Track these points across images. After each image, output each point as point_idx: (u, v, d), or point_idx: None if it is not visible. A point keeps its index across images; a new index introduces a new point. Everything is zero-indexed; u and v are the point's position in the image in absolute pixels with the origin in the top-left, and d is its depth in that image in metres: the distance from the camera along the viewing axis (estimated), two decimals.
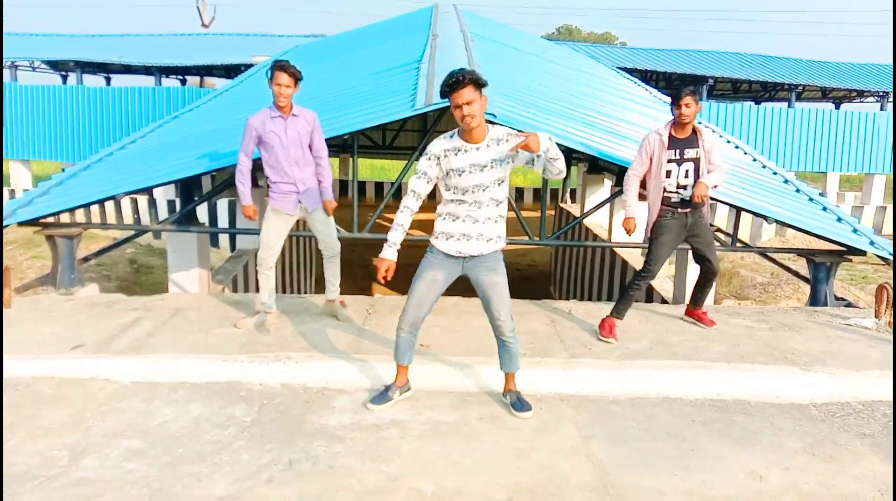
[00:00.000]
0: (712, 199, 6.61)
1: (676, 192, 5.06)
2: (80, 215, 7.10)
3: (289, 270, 12.30)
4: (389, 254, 3.74)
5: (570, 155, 14.75)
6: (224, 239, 15.95)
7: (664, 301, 8.78)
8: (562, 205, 17.22)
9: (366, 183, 24.68)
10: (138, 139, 9.02)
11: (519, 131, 3.68)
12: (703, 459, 3.51)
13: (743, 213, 6.72)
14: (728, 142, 10.07)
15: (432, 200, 7.98)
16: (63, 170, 7.78)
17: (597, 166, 13.52)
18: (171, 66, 23.45)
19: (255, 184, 10.52)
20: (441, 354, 4.59)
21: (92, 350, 4.52)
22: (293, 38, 24.39)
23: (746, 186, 7.28)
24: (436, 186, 3.86)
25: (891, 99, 24.18)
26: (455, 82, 3.50)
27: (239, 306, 5.65)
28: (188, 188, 7.10)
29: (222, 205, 16.51)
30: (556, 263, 16.67)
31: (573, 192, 18.01)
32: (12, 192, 20.73)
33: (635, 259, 10.39)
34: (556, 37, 53.92)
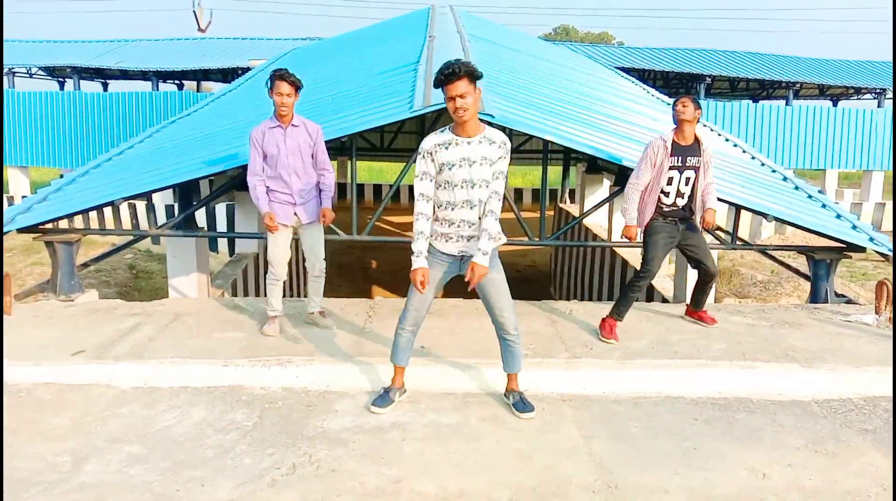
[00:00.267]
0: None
1: (673, 204, 5.07)
2: (78, 221, 7.08)
3: (289, 273, 12.29)
4: (420, 263, 3.68)
5: (569, 155, 14.80)
6: (223, 243, 15.93)
7: (665, 300, 8.78)
8: (561, 205, 17.23)
9: (364, 185, 24.64)
10: (136, 144, 9.02)
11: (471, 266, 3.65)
12: (706, 457, 3.50)
13: (742, 211, 6.72)
14: (727, 140, 10.08)
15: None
16: (61, 176, 7.78)
17: (596, 166, 13.53)
18: (168, 70, 23.48)
19: None
20: (442, 355, 4.58)
21: (92, 356, 4.52)
22: (289, 41, 24.40)
23: (745, 184, 7.29)
24: None
25: (888, 96, 24.22)
26: (450, 73, 3.46)
27: (239, 310, 5.65)
28: (186, 193, 7.10)
29: (221, 209, 16.50)
30: (555, 263, 16.67)
31: (572, 192, 18.01)
32: (11, 199, 20.71)
33: (635, 259, 10.39)
34: (553, 37, 53.99)
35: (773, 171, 8.59)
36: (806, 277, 7.23)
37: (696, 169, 5.03)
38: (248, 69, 17.03)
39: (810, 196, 7.68)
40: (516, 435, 3.71)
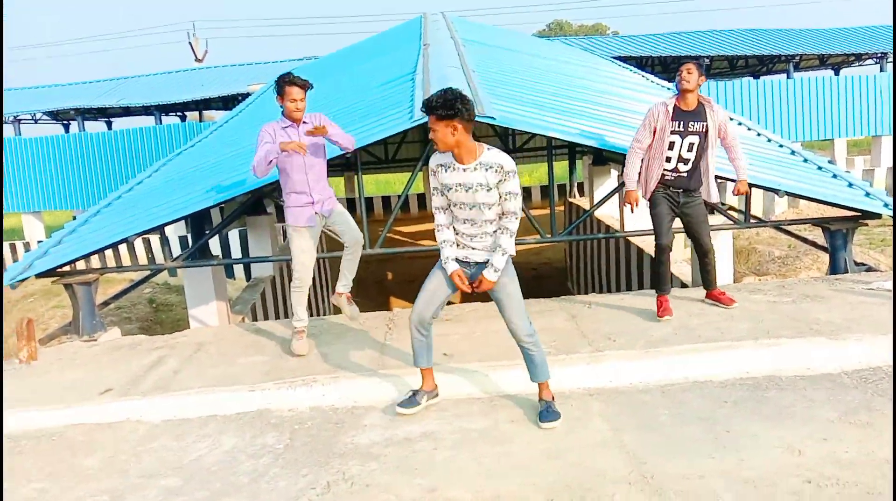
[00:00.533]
0: (720, 177, 6.58)
1: (674, 169, 5.06)
2: (95, 261, 7.16)
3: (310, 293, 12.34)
4: (454, 266, 3.83)
5: (574, 149, 14.77)
6: (239, 269, 16.04)
7: (683, 285, 8.73)
8: (570, 200, 17.19)
9: (373, 198, 24.74)
10: (144, 180, 9.11)
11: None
12: (738, 438, 3.48)
13: (754, 188, 6.68)
14: (731, 119, 10.02)
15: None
16: (74, 218, 7.86)
17: (602, 158, 13.49)
18: (170, 103, 23.71)
19: (263, 211, 10.61)
20: (464, 361, 4.58)
21: (120, 393, 4.56)
22: (286, 62, 24.56)
23: (754, 161, 7.23)
24: None
25: (890, 59, 23.99)
26: (422, 108, 3.63)
27: (260, 333, 5.68)
28: (199, 223, 7.16)
29: (234, 236, 16.62)
30: (570, 258, 16.63)
31: (580, 185, 17.97)
32: (27, 245, 20.96)
33: (649, 247, 10.34)
34: (548, 33, 53.96)
35: (781, 146, 8.53)
36: (824, 249, 7.17)
37: (700, 134, 5.01)
38: (248, 95, 17.17)
39: (820, 167, 7.62)
40: (546, 435, 3.70)
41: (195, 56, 36.47)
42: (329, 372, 4.60)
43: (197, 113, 27.68)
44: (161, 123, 24.07)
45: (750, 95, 20.69)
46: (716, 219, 8.14)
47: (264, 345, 5.34)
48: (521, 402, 4.11)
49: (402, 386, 4.34)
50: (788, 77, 22.46)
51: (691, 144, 5.02)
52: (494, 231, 3.76)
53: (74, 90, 26.23)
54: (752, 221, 7.07)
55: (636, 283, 10.76)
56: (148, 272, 9.23)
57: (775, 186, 6.43)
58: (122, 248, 16.93)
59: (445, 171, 3.72)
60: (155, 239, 17.34)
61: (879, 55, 24.27)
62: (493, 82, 8.05)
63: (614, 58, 19.31)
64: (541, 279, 16.83)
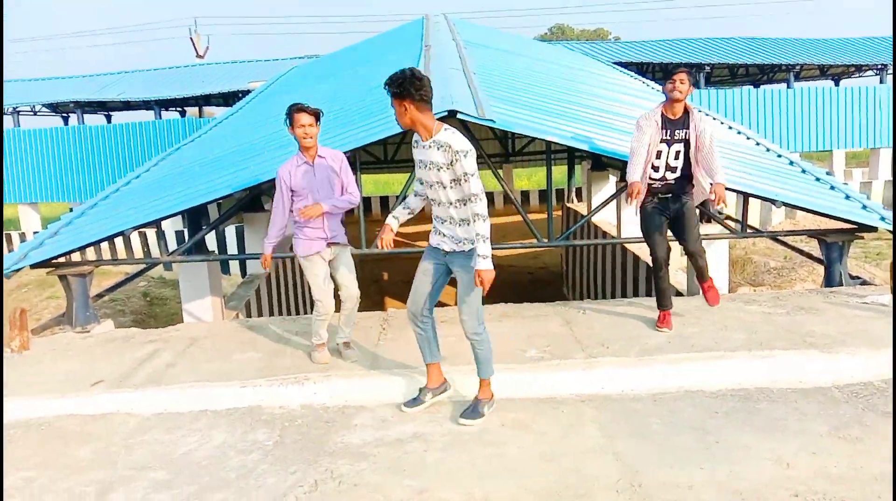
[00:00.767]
0: None
1: (662, 178, 5.06)
2: (90, 253, 7.14)
3: (300, 290, 12.33)
4: (389, 220, 4.14)
5: (573, 153, 14.78)
6: (234, 265, 16.02)
7: (679, 294, 8.73)
8: (568, 205, 17.20)
9: (370, 198, 24.73)
10: (142, 174, 9.10)
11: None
12: (729, 450, 3.48)
13: (751, 198, 6.69)
14: (730, 128, 10.04)
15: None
16: (71, 210, 7.85)
17: (600, 163, 13.51)
18: (170, 98, 23.68)
19: (261, 208, 10.58)
20: (459, 363, 4.57)
21: (113, 385, 4.55)
22: (287, 61, 24.55)
23: (752, 171, 7.25)
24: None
25: (890, 71, 24.06)
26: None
27: (254, 330, 5.67)
28: (195, 218, 7.15)
29: (230, 232, 16.59)
30: (567, 263, 16.63)
31: (578, 190, 17.99)
32: (22, 235, 20.91)
33: (646, 254, 10.34)
34: (549, 37, 54.05)
35: (779, 156, 8.54)
36: (819, 261, 7.18)
37: (686, 142, 5.01)
38: (248, 92, 17.14)
39: (818, 179, 7.64)
40: (538, 439, 3.70)
41: (196, 52, 36.43)
42: (321, 371, 4.59)
43: (197, 109, 27.65)
44: (161, 117, 24.03)
45: (750, 104, 20.73)
46: (712, 228, 8.16)
47: (258, 342, 5.34)
48: (515, 406, 4.10)
49: (394, 387, 4.34)
50: (789, 87, 22.52)
51: (678, 152, 5.02)
52: (463, 220, 3.77)
53: (74, 83, 26.20)
54: (748, 231, 7.09)
55: (632, 290, 10.76)
56: (143, 266, 9.21)
57: (773, 197, 6.44)
58: (118, 241, 16.89)
59: (416, 146, 3.87)
60: (151, 233, 17.30)
61: (880, 67, 24.34)
62: (494, 85, 8.05)
63: (615, 63, 19.35)
64: (537, 284, 16.83)
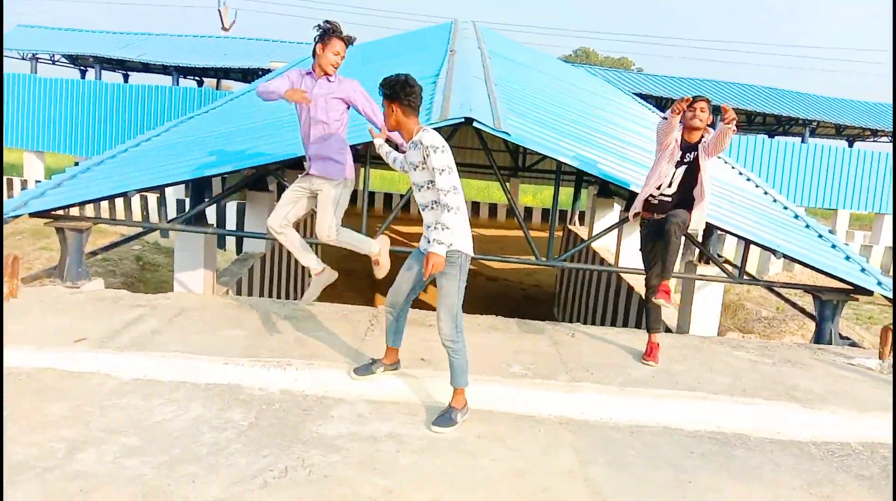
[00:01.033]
0: (721, 230, 6.61)
1: (661, 194, 5.08)
2: (90, 210, 7.13)
3: (294, 275, 12.31)
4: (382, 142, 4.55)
5: (582, 177, 14.81)
6: (230, 242, 15.99)
7: (668, 330, 8.75)
8: (570, 227, 17.22)
9: (374, 194, 24.73)
10: (153, 138, 9.07)
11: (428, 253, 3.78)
12: (702, 491, 3.48)
13: (751, 245, 6.71)
14: (740, 174, 10.08)
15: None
16: (76, 164, 7.83)
17: (607, 190, 13.54)
18: (190, 66, 23.67)
19: (265, 188, 10.59)
20: (442, 368, 4.56)
21: (95, 345, 4.53)
22: (310, 45, 24.54)
23: (756, 218, 7.28)
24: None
25: None
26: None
27: (243, 308, 5.65)
28: (199, 189, 7.14)
29: (231, 208, 16.57)
30: (560, 284, 16.64)
31: (582, 214, 18.01)
32: (24, 182, 20.85)
33: (641, 286, 10.36)
34: (573, 59, 54.15)
35: (785, 208, 8.58)
36: (811, 316, 7.20)
37: (692, 163, 5.01)
38: (268, 71, 17.16)
39: (821, 235, 7.66)
40: (514, 455, 3.70)
41: (222, 24, 36.32)
42: (305, 358, 4.58)
43: (215, 80, 27.65)
44: (178, 84, 24.01)
45: (762, 153, 20.83)
46: (710, 270, 8.19)
47: (246, 320, 5.32)
48: (494, 419, 4.10)
49: (375, 383, 4.33)
50: (803, 141, 22.62)
51: (684, 173, 5.04)
52: (439, 223, 3.79)
53: (96, 38, 26.17)
54: (745, 277, 7.10)
55: (622, 319, 10.77)
56: (140, 230, 9.18)
57: (774, 247, 6.46)
58: (119, 202, 16.84)
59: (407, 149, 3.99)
60: (153, 198, 17.28)
61: None
62: (514, 98, 8.07)
63: (635, 94, 19.40)
64: (529, 300, 16.83)
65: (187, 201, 16.08)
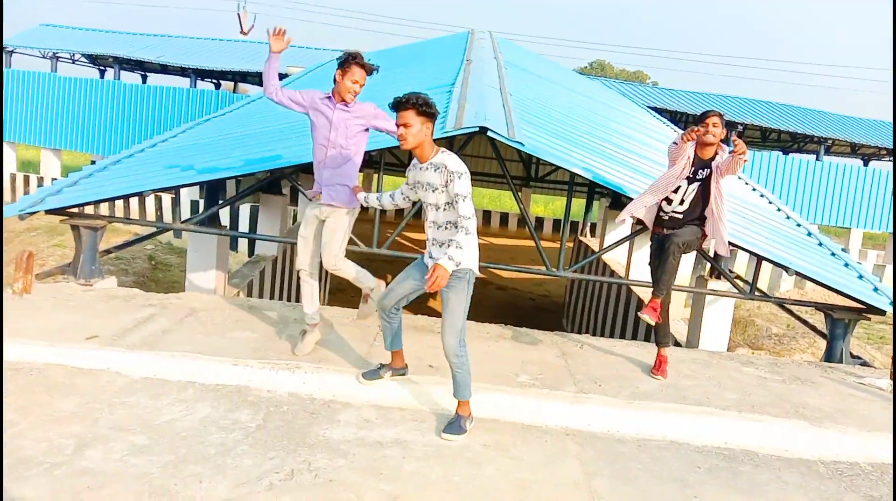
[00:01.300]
0: (733, 246, 6.59)
1: (672, 211, 5.06)
2: (105, 208, 7.19)
3: None
4: (367, 193, 4.56)
5: (594, 189, 14.80)
6: (242, 244, 16.08)
7: (677, 344, 8.71)
8: (581, 238, 17.20)
9: None
10: (170, 139, 9.16)
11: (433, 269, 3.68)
12: None
13: (763, 262, 6.68)
14: (754, 190, 10.05)
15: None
16: (93, 162, 7.90)
17: (619, 202, 13.51)
18: (208, 69, 23.83)
19: (279, 192, 10.65)
20: (450, 377, 4.57)
21: (106, 342, 4.57)
22: (328, 51, 24.70)
23: (769, 235, 7.25)
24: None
25: None
26: (401, 102, 3.75)
27: (254, 310, 5.68)
28: (214, 191, 7.19)
29: (245, 210, 16.67)
30: (570, 295, 16.61)
31: (593, 226, 17.99)
32: (41, 179, 21.05)
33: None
34: (589, 71, 54.19)
35: (798, 225, 8.54)
36: (822, 334, 7.15)
37: (705, 180, 4.97)
38: (286, 75, 17.25)
39: (833, 254, 7.63)
40: (518, 465, 3.69)
41: (241, 28, 36.62)
42: (314, 361, 4.60)
43: (232, 84, 27.83)
44: (196, 86, 24.20)
45: (777, 170, 20.75)
46: (721, 285, 8.15)
47: (256, 322, 5.35)
48: (500, 428, 4.10)
49: (382, 388, 4.34)
50: (818, 159, 22.50)
51: (695, 190, 5.00)
52: (451, 242, 3.73)
53: (116, 38, 26.41)
54: (756, 293, 7.07)
55: (631, 332, 10.74)
56: (155, 229, 9.25)
57: (786, 264, 6.43)
58: (133, 201, 16.98)
59: (414, 167, 4.01)
60: (167, 198, 17.41)
61: None
62: (528, 108, 8.09)
63: (650, 107, 19.39)
64: (538, 310, 16.80)
65: (201, 202, 16.19)
